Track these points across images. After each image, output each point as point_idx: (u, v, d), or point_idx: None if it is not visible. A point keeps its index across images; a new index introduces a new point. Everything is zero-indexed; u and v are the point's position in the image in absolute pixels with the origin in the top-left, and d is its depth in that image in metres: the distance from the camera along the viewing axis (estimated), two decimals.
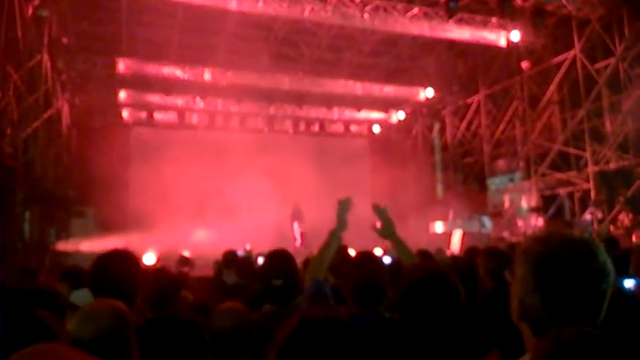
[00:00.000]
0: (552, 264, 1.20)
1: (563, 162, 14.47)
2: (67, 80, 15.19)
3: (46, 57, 12.91)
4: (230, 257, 5.55)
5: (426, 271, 1.94)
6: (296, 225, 15.44)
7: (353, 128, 19.68)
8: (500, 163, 17.15)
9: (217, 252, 6.00)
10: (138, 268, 2.28)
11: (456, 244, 14.46)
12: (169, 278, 2.83)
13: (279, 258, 2.79)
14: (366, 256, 2.45)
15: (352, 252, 11.98)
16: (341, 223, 2.92)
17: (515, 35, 14.39)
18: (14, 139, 11.35)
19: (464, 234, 14.78)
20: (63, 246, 14.03)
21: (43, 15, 12.42)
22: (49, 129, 13.78)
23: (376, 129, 19.88)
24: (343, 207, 2.98)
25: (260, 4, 12.48)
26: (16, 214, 11.17)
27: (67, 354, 0.94)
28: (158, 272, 2.94)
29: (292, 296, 2.58)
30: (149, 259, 14.40)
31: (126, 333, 1.65)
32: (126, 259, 2.26)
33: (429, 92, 17.94)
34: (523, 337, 1.25)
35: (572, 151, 14.20)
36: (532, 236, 1.33)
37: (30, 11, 11.61)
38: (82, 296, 3.12)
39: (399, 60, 17.44)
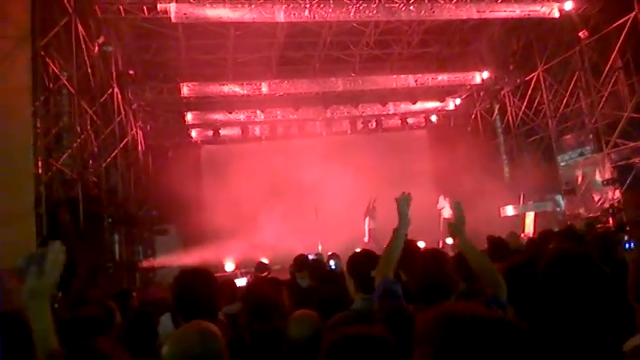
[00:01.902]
0: None
1: (636, 129, 13.79)
2: (137, 109, 16.18)
3: (116, 90, 13.88)
4: (301, 261, 5.78)
5: (569, 253, 1.83)
6: (367, 221, 15.63)
7: (410, 121, 19.61)
8: (568, 138, 16.53)
9: (292, 256, 6.26)
10: (215, 283, 2.36)
11: (529, 227, 14.16)
12: (268, 293, 2.95)
13: (371, 254, 3.02)
14: (432, 253, 2.51)
15: (422, 244, 11.97)
16: (404, 220, 2.89)
17: (568, 4, 13.92)
18: (96, 169, 12.34)
19: (536, 215, 14.42)
20: (150, 263, 15.00)
21: (109, 50, 13.39)
22: (127, 156, 14.75)
23: (434, 118, 19.73)
24: (404, 204, 2.97)
25: (306, 12, 12.84)
26: (105, 238, 12.10)
27: None
28: (257, 285, 3.16)
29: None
30: (229, 266, 15.20)
31: (215, 355, 1.72)
32: (204, 277, 2.34)
33: (484, 74, 17.62)
34: (637, 318, 1.21)
35: None
36: None
37: (96, 49, 12.57)
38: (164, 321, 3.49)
39: (450, 46, 17.27)
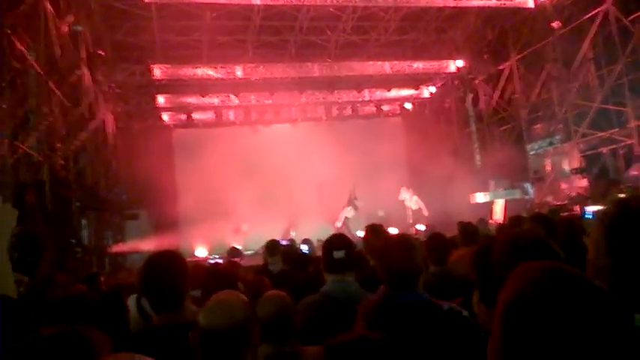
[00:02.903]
0: (625, 228, 1.13)
1: (604, 120, 14.11)
2: (107, 91, 15.80)
3: (85, 70, 13.50)
4: (273, 246, 5.72)
5: (526, 238, 1.86)
6: (347, 209, 15.71)
7: (385, 108, 19.67)
8: (538, 127, 16.82)
9: (265, 241, 6.26)
10: (185, 267, 2.33)
11: (499, 213, 14.43)
12: (225, 271, 3.02)
13: (340, 235, 3.10)
14: (397, 238, 2.52)
15: (394, 230, 12.15)
16: None
17: None
18: (64, 152, 12.02)
19: (506, 202, 14.70)
20: (120, 248, 14.77)
21: (78, 30, 12.99)
22: (96, 139, 14.43)
23: (408, 106, 19.83)
24: None
25: None
26: (73, 222, 11.85)
27: None
28: (214, 267, 3.17)
29: (351, 267, 2.83)
30: (201, 252, 15.10)
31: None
32: (172, 260, 2.31)
33: (459, 63, 17.75)
34: None
35: (612, 107, 13.83)
36: (615, 200, 1.27)
37: (65, 28, 12.18)
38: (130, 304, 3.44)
39: (426, 34, 17.30)
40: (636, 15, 13.03)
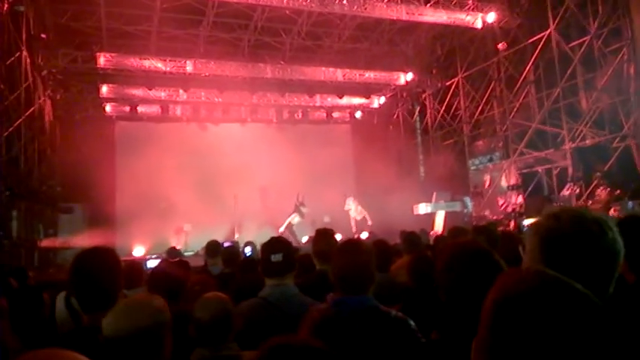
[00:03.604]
0: (560, 240, 1.18)
1: (541, 140, 14.80)
2: (47, 76, 15.08)
3: (25, 53, 12.83)
4: (213, 247, 5.58)
5: (469, 247, 1.93)
6: (292, 216, 15.64)
7: (335, 114, 19.82)
8: (480, 143, 17.45)
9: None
10: (118, 264, 2.24)
11: (439, 225, 14.79)
12: (176, 274, 2.90)
13: (279, 238, 3.07)
14: (351, 243, 2.50)
15: (339, 236, 12.20)
16: None
17: (491, 16, 14.62)
18: None
19: (446, 215, 15.10)
20: (51, 242, 14.07)
21: (20, 10, 12.32)
22: (32, 126, 13.73)
23: (358, 114, 20.06)
24: None
25: None
26: (2, 213, 11.19)
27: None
28: (165, 268, 3.04)
29: (290, 270, 2.82)
30: (138, 251, 14.62)
31: (163, 328, 1.67)
32: (104, 256, 2.21)
33: (408, 76, 18.14)
34: None
35: (548, 129, 14.52)
36: (545, 212, 1.32)
37: (5, 7, 11.51)
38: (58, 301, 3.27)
39: (379, 45, 17.57)
40: (576, 42, 13.77)
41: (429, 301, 3.13)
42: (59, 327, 3.04)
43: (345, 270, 2.24)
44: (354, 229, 16.05)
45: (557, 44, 14.02)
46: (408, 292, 3.53)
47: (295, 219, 15.63)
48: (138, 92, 16.54)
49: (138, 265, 4.28)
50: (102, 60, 14.77)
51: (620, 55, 12.59)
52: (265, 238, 3.05)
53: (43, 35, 13.94)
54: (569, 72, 13.77)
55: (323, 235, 3.41)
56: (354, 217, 16.37)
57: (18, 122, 12.42)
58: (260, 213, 16.60)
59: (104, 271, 2.14)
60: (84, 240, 12.61)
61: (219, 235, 11.74)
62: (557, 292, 0.83)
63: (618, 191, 12.61)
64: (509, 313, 0.83)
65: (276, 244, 2.91)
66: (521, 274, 0.90)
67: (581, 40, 13.64)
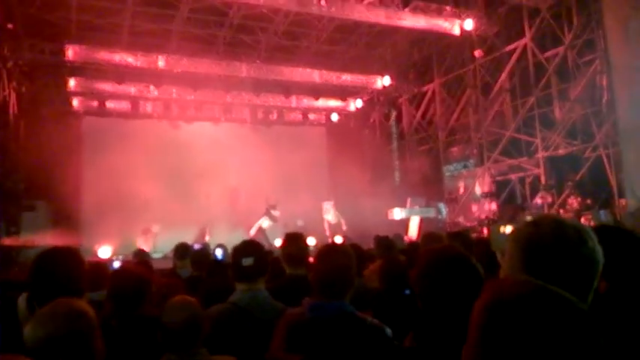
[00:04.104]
0: (540, 248, 1.19)
1: (515, 148, 14.94)
2: (13, 68, 14.51)
3: None
4: (182, 249, 5.47)
5: (448, 253, 1.92)
6: (262, 219, 15.35)
7: (311, 116, 19.66)
8: (455, 150, 17.54)
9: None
10: (81, 265, 2.19)
11: (413, 230, 14.75)
12: (139, 275, 2.79)
13: (250, 241, 3.03)
14: (333, 247, 2.49)
15: (312, 240, 12.15)
16: None
17: (469, 24, 14.68)
18: None
19: (421, 220, 15.08)
20: (13, 241, 13.53)
21: None
22: None
23: (334, 117, 19.94)
24: None
25: None
26: None
27: None
28: (127, 270, 2.91)
29: (261, 274, 2.76)
30: (104, 252, 14.14)
31: (85, 335, 1.58)
32: (67, 256, 2.17)
33: (385, 80, 18.11)
34: None
35: (523, 137, 14.67)
36: (526, 220, 1.37)
37: None
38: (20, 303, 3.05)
39: (356, 48, 17.49)
40: (552, 52, 13.95)
41: (400, 306, 3.08)
42: (23, 328, 2.82)
43: (325, 274, 2.22)
44: (327, 233, 15.89)
45: (532, 54, 14.19)
46: (379, 297, 3.54)
47: (265, 222, 15.37)
48: (107, 87, 16.04)
49: (103, 266, 4.07)
50: (70, 52, 14.28)
51: (593, 67, 12.81)
52: (237, 241, 2.96)
53: (10, 25, 13.42)
54: (543, 81, 13.96)
55: (293, 239, 3.32)
56: (329, 220, 16.21)
57: None
58: (232, 215, 16.30)
59: (67, 271, 2.08)
60: (47, 239, 12.14)
61: (189, 237, 11.42)
62: (549, 299, 0.85)
63: (589, 200, 12.79)
64: (500, 319, 0.84)
65: (248, 247, 2.85)
66: (512, 281, 0.93)
67: (555, 51, 13.86)
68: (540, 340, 0.79)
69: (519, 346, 0.80)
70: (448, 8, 14.55)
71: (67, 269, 2.10)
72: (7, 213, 14.05)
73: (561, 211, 13.26)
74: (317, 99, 18.44)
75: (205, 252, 6.07)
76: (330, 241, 14.13)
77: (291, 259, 3.20)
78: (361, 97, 19.64)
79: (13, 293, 3.25)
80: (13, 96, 14.98)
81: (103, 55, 14.65)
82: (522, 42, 14.34)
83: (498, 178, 15.69)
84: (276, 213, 15.20)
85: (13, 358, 0.84)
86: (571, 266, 1.16)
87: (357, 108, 19.96)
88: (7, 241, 13.33)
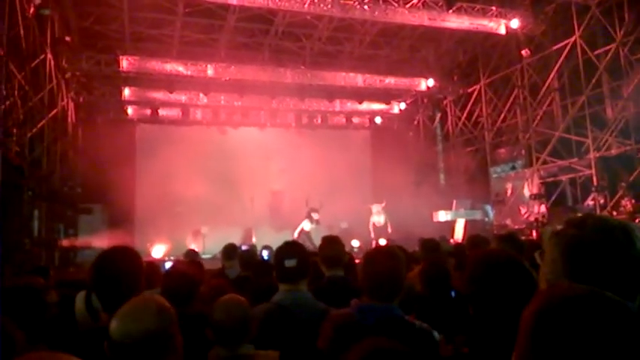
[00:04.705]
0: (584, 250, 1.12)
1: (565, 149, 14.52)
2: (71, 79, 15.28)
3: (49, 56, 13.00)
4: (230, 250, 5.58)
5: (500, 257, 1.89)
6: (304, 222, 15.46)
7: (355, 120, 19.73)
8: (502, 151, 17.21)
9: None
10: (139, 264, 2.25)
11: (459, 233, 14.59)
12: (190, 274, 2.89)
13: (292, 243, 3.07)
14: (384, 249, 2.53)
15: (357, 243, 12.22)
16: None
17: (515, 23, 14.43)
18: (20, 138, 11.48)
19: (466, 223, 14.89)
20: (71, 242, 14.21)
21: (45, 14, 12.48)
22: (55, 127, 13.88)
23: (378, 120, 19.94)
24: None
25: None
26: (24, 213, 11.31)
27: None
28: (179, 270, 3.01)
29: (303, 276, 2.78)
30: (157, 252, 14.69)
31: (173, 329, 1.64)
32: (126, 256, 2.23)
33: (429, 82, 17.99)
34: None
35: (573, 137, 14.22)
36: (567, 219, 1.25)
37: (32, 10, 11.68)
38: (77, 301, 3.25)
39: (400, 51, 17.47)
40: (602, 50, 13.51)
41: (443, 309, 3.07)
42: (79, 326, 3.01)
43: (375, 276, 2.22)
44: (372, 235, 15.90)
45: (582, 51, 13.76)
46: (421, 300, 3.51)
47: (307, 225, 15.48)
48: (159, 95, 16.66)
49: (156, 266, 4.26)
50: (124, 63, 14.92)
51: None
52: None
53: (68, 38, 14.09)
54: (594, 80, 13.50)
55: (330, 242, 3.38)
56: (376, 223, 16.14)
57: (41, 124, 12.58)
58: (277, 217, 16.57)
59: (127, 270, 2.15)
60: (103, 240, 12.72)
61: (236, 239, 11.70)
62: (600, 302, 0.82)
63: None
64: (550, 323, 0.82)
65: (290, 249, 2.88)
66: (561, 287, 0.89)
67: (606, 48, 13.39)
68: (591, 344, 0.77)
69: (570, 352, 0.78)
70: (493, 8, 14.33)
71: (128, 268, 2.17)
72: (66, 216, 14.79)
73: (614, 213, 12.81)
74: (361, 103, 18.50)
75: (252, 253, 6.22)
76: (374, 243, 14.17)
77: (328, 260, 3.26)
78: (405, 100, 19.58)
79: (71, 292, 3.49)
80: (72, 105, 15.77)
81: (155, 65, 15.22)
82: (571, 40, 13.93)
83: (548, 180, 15.28)
84: (315, 216, 15.26)
85: (46, 354, 0.84)
86: (619, 269, 1.10)
87: (400, 110, 19.90)
88: (66, 243, 14.01)
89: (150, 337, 1.56)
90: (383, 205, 16.04)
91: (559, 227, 1.22)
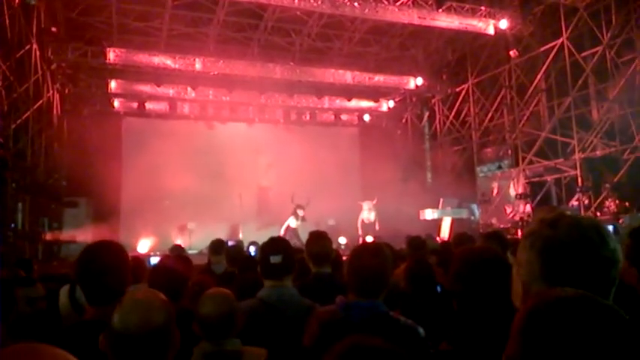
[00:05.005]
0: (560, 251, 1.12)
1: (550, 149, 14.67)
2: (56, 70, 15.08)
3: (35, 46, 12.84)
4: (217, 245, 5.51)
5: (485, 253, 1.90)
6: (290, 219, 15.36)
7: (343, 117, 19.74)
8: (489, 151, 17.35)
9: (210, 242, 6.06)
10: (125, 259, 2.23)
11: (445, 231, 14.66)
12: (179, 270, 2.87)
13: (278, 239, 3.03)
14: (370, 245, 2.49)
15: (343, 240, 12.24)
16: None
17: (504, 23, 14.53)
18: (4, 129, 11.32)
19: (453, 221, 14.98)
20: (55, 236, 14.06)
21: (32, 3, 12.30)
22: (40, 119, 13.72)
23: (366, 118, 19.97)
24: None
25: None
26: (8, 205, 11.16)
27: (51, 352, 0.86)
28: (166, 266, 2.98)
29: (289, 272, 2.77)
30: (143, 247, 14.58)
31: (173, 322, 1.64)
32: (112, 250, 2.20)
33: (418, 81, 18.05)
34: None
35: (559, 138, 14.40)
36: (539, 219, 1.23)
37: (17, 0, 11.52)
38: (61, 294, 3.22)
39: (389, 49, 17.50)
40: (589, 52, 13.67)
41: (427, 306, 3.08)
42: (63, 320, 2.99)
43: (359, 273, 2.21)
44: (360, 232, 15.93)
45: (569, 53, 13.91)
46: (406, 297, 3.52)
47: (293, 222, 15.42)
48: (146, 89, 16.51)
49: (142, 261, 4.24)
50: (111, 55, 14.76)
51: (633, 66, 12.50)
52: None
53: (54, 29, 13.93)
54: (580, 81, 13.68)
55: (317, 238, 3.34)
56: (365, 220, 16.14)
57: (26, 115, 12.42)
58: (263, 213, 16.54)
59: (113, 264, 2.12)
60: (87, 234, 12.62)
61: (222, 235, 11.65)
62: (592, 306, 0.83)
63: (627, 203, 12.49)
64: (541, 324, 0.82)
65: (275, 245, 2.86)
66: (555, 290, 0.90)
67: (593, 50, 13.57)
68: (581, 346, 0.78)
69: (559, 353, 0.79)
70: (482, 8, 14.41)
71: (113, 262, 2.14)
72: (50, 209, 14.62)
73: (598, 213, 13.00)
74: (349, 100, 18.52)
75: (239, 248, 6.20)
76: (361, 240, 14.20)
77: (315, 257, 3.23)
78: (393, 98, 19.63)
79: (54, 286, 3.46)
80: (57, 97, 15.57)
81: (142, 58, 15.08)
82: (559, 41, 14.07)
83: (533, 180, 15.44)
84: (300, 212, 15.19)
85: (30, 346, 0.81)
86: (592, 268, 1.10)
87: (389, 108, 19.95)
88: (50, 236, 13.86)
89: (158, 330, 1.56)
90: (374, 202, 16.05)
91: (530, 226, 1.22)
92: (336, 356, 1.18)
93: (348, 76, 17.10)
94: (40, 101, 13.52)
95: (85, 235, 12.51)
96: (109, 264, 2.12)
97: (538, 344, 0.81)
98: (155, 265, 3.22)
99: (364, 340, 1.25)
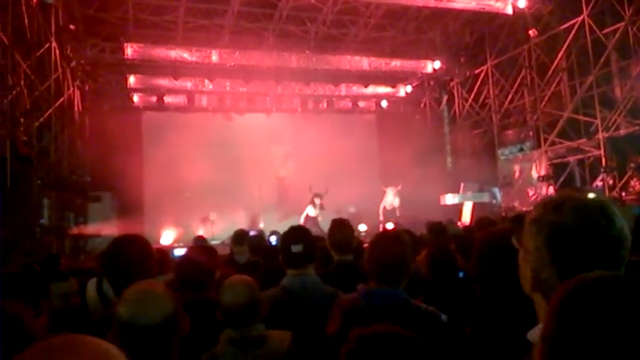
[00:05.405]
0: (568, 237, 1.11)
1: (573, 129, 14.40)
2: (76, 67, 15.29)
3: (54, 44, 13.01)
4: (240, 235, 5.58)
5: (508, 236, 1.94)
6: (308, 208, 15.34)
7: (361, 104, 19.62)
8: (510, 133, 17.09)
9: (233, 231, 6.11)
10: (150, 251, 2.28)
11: (466, 216, 14.57)
12: (205, 262, 2.91)
13: (298, 228, 3.06)
14: (390, 234, 2.56)
15: (364, 227, 12.25)
16: None
17: (522, 2, 14.24)
18: (28, 127, 11.55)
19: (474, 205, 14.86)
20: (81, 230, 14.34)
21: (49, 2, 12.48)
22: (62, 116, 13.93)
23: (384, 103, 19.84)
24: None
25: None
26: (34, 202, 11.41)
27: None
28: (193, 256, 3.04)
29: (310, 260, 2.79)
30: (166, 239, 14.82)
31: (180, 315, 1.68)
32: (137, 243, 2.26)
33: (436, 64, 17.84)
34: (536, 307, 1.22)
35: (581, 118, 14.11)
36: (543, 202, 1.22)
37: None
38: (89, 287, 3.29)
39: (405, 33, 17.29)
40: (611, 29, 13.32)
41: (449, 293, 3.08)
42: (91, 313, 3.06)
43: (380, 261, 2.23)
44: (381, 218, 15.89)
45: (590, 31, 13.56)
46: (428, 284, 3.53)
47: (311, 211, 15.43)
48: (164, 82, 16.65)
49: (166, 253, 4.31)
50: (129, 51, 14.90)
51: None
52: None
53: (72, 26, 14.09)
54: (602, 59, 13.34)
55: (339, 226, 3.35)
56: (387, 205, 16.07)
57: (48, 113, 12.64)
58: (282, 203, 16.62)
59: (139, 257, 2.18)
60: (112, 228, 12.84)
61: (243, 225, 11.78)
62: (630, 285, 0.84)
63: None
64: (577, 306, 0.83)
65: (296, 234, 2.89)
66: (591, 274, 0.89)
67: (615, 27, 13.18)
68: (617, 326, 0.78)
69: (595, 334, 0.79)
70: None
71: (139, 255, 2.20)
72: (75, 204, 14.91)
73: (623, 194, 12.76)
74: (366, 86, 18.39)
75: (261, 238, 6.27)
76: (381, 227, 14.19)
77: (337, 245, 3.25)
78: (411, 83, 19.43)
79: (82, 279, 3.54)
80: (78, 94, 15.79)
81: (159, 52, 15.19)
82: (579, 19, 13.72)
83: (556, 161, 15.19)
84: (317, 201, 15.19)
85: (69, 338, 0.82)
86: (601, 250, 1.10)
87: (407, 93, 19.76)
88: (76, 231, 14.15)
89: (166, 319, 1.59)
90: (399, 188, 15.94)
91: (535, 211, 1.20)
92: (353, 348, 1.20)
93: (364, 63, 16.98)
94: (62, 99, 13.72)
95: (110, 229, 12.71)
96: (135, 257, 2.18)
97: (578, 324, 0.81)
98: (181, 257, 3.28)
99: (382, 329, 1.28)
